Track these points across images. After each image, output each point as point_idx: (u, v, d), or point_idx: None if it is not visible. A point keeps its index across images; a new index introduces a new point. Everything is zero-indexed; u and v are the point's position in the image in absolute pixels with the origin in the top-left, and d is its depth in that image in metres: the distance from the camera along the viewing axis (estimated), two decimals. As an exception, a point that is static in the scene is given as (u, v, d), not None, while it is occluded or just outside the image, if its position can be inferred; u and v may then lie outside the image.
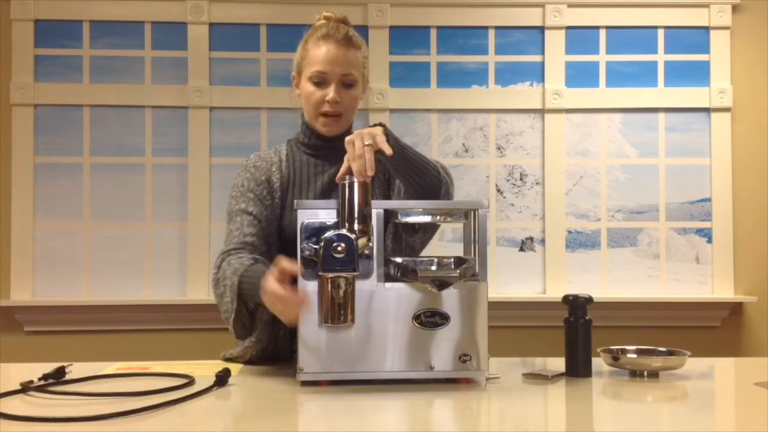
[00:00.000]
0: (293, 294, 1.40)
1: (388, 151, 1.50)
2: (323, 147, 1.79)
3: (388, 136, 1.55)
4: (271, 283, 1.41)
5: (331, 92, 1.72)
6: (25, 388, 1.38)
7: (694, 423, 1.23)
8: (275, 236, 1.73)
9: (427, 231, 1.79)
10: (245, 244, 1.68)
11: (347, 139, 1.51)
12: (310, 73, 1.73)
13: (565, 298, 1.57)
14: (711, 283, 3.30)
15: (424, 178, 1.64)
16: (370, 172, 1.44)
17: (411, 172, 1.63)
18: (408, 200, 1.69)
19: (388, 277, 1.45)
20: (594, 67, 3.33)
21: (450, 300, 1.44)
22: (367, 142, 1.48)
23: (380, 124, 1.57)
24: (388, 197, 1.79)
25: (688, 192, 3.32)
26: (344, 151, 1.69)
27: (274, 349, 1.74)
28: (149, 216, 3.22)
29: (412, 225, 1.74)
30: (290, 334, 1.71)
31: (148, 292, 3.20)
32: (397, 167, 1.62)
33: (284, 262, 1.42)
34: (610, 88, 3.33)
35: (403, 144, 1.61)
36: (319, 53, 1.73)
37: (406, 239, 1.77)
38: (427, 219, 1.62)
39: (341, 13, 1.84)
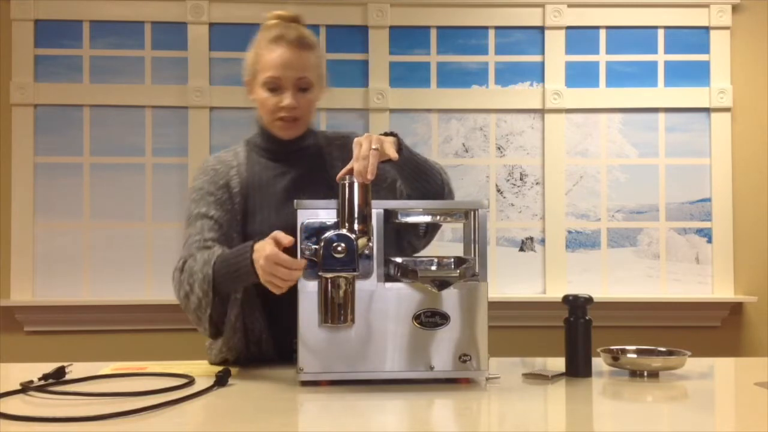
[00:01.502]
0: (294, 259, 1.40)
1: (393, 156, 1.50)
2: (281, 151, 1.75)
3: (401, 146, 1.56)
4: (271, 248, 1.40)
5: (287, 98, 1.66)
6: (25, 388, 1.38)
7: (694, 423, 1.23)
8: (237, 242, 1.65)
9: (431, 233, 1.79)
10: (205, 247, 1.62)
11: (356, 139, 1.50)
12: (263, 78, 1.67)
13: (565, 298, 1.57)
14: (711, 283, 3.30)
15: (429, 184, 1.66)
16: (370, 176, 1.44)
17: (417, 178, 1.63)
18: (409, 200, 1.69)
19: (388, 277, 1.45)
20: (594, 67, 3.33)
21: (450, 300, 1.44)
22: (374, 146, 1.47)
23: (394, 135, 1.57)
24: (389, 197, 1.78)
25: (688, 192, 3.32)
26: (302, 154, 1.74)
27: (258, 353, 1.70)
28: (149, 216, 3.22)
29: (419, 229, 1.74)
30: (272, 338, 1.70)
31: (148, 292, 3.20)
32: (405, 173, 1.62)
33: (278, 233, 1.43)
34: (610, 88, 3.33)
35: (414, 152, 1.62)
36: (271, 57, 1.66)
37: (411, 242, 1.76)
38: (427, 219, 1.62)
39: (294, 11, 1.77)
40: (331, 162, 1.75)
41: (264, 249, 1.42)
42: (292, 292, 1.47)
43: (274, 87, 1.67)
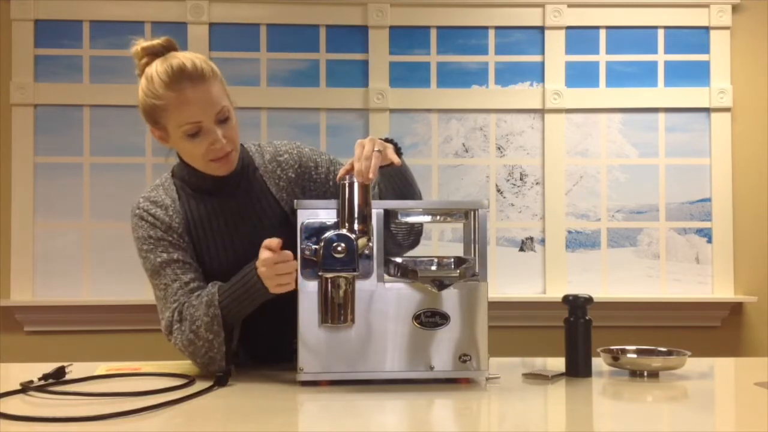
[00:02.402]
0: (282, 251, 1.41)
1: (396, 161, 1.50)
2: (217, 185, 1.59)
3: (400, 154, 1.56)
4: (263, 255, 1.42)
5: (216, 137, 1.50)
6: (25, 388, 1.38)
7: (694, 423, 1.23)
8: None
9: (419, 234, 1.76)
10: (192, 291, 1.53)
11: (359, 141, 1.48)
12: (182, 128, 1.49)
13: (565, 298, 1.57)
14: (711, 283, 3.30)
15: (411, 197, 1.63)
16: (372, 176, 1.43)
17: (402, 190, 1.60)
18: (408, 200, 1.69)
19: (388, 277, 1.45)
20: (594, 67, 3.33)
21: (450, 300, 1.44)
22: (377, 149, 1.46)
23: (393, 142, 1.56)
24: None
25: (688, 192, 3.32)
26: (236, 182, 1.60)
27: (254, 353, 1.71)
28: (149, 216, 3.22)
29: (409, 228, 1.73)
30: (246, 345, 1.69)
31: (148, 292, 3.18)
32: (394, 182, 1.58)
33: (266, 241, 1.43)
34: (610, 88, 3.32)
35: (407, 168, 1.61)
36: (179, 102, 1.48)
37: (399, 241, 1.72)
38: (427, 219, 1.62)
39: (163, 38, 1.60)
40: (274, 180, 1.63)
41: (260, 257, 1.43)
42: (264, 308, 1.49)
43: (196, 132, 1.50)
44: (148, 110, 1.55)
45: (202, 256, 1.60)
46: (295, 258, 1.43)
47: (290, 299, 1.45)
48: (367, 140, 1.48)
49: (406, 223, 1.66)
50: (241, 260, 1.51)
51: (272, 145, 1.70)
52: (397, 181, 1.60)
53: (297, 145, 1.70)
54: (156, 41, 1.57)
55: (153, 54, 1.57)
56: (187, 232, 1.59)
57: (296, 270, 1.43)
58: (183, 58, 1.54)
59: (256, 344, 1.70)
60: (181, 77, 1.50)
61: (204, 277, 1.57)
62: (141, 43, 1.59)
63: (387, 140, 1.56)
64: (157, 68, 1.53)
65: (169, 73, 1.50)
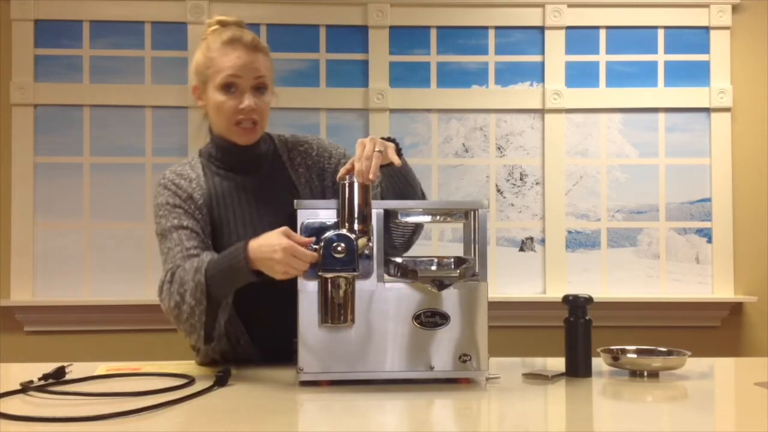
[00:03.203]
0: (309, 252, 1.39)
1: (396, 162, 1.50)
2: (238, 160, 1.71)
3: (400, 153, 1.56)
4: (287, 241, 1.39)
5: (247, 99, 1.62)
6: (25, 388, 1.38)
7: (694, 423, 1.23)
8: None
9: (418, 232, 1.78)
10: (191, 257, 1.56)
11: (360, 140, 1.49)
12: (220, 80, 1.62)
13: (565, 298, 1.57)
14: (711, 283, 3.30)
15: (412, 196, 1.65)
16: (372, 177, 1.44)
17: (403, 189, 1.63)
18: (408, 200, 1.69)
19: (388, 277, 1.45)
20: (594, 67, 3.33)
21: (450, 300, 1.44)
22: (378, 149, 1.47)
23: (394, 141, 1.56)
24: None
25: (688, 192, 3.32)
26: (259, 162, 1.72)
27: (243, 354, 1.70)
28: (149, 216, 3.21)
29: (398, 240, 1.74)
30: (253, 340, 1.70)
31: (148, 292, 3.19)
32: (395, 180, 1.61)
33: (287, 229, 1.42)
34: (610, 88, 3.33)
35: (408, 167, 1.63)
36: (227, 59, 1.62)
37: (393, 243, 1.73)
38: (427, 219, 1.62)
39: (236, 16, 1.75)
40: (294, 167, 1.74)
41: (280, 242, 1.40)
42: (266, 297, 1.48)
43: (232, 89, 1.62)
44: (199, 66, 1.68)
45: (221, 230, 1.66)
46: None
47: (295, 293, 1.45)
48: (368, 140, 1.49)
49: (407, 226, 1.67)
50: (258, 235, 1.50)
51: (294, 136, 1.82)
52: (397, 181, 1.61)
53: (317, 137, 1.82)
54: (230, 17, 1.74)
55: (223, 24, 1.71)
56: (207, 206, 1.66)
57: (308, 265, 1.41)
58: (245, 30, 1.69)
59: (263, 335, 1.70)
60: (237, 41, 1.65)
61: (223, 248, 1.57)
62: (216, 18, 1.74)
63: (388, 139, 1.57)
64: (220, 32, 1.68)
65: (229, 35, 1.65)
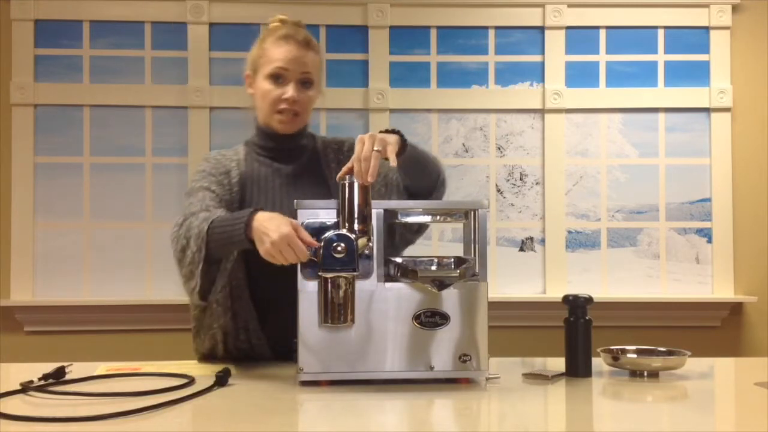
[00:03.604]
0: (305, 249, 1.40)
1: (393, 162, 1.51)
2: (279, 148, 1.80)
3: (404, 143, 1.58)
4: (289, 229, 1.40)
5: (290, 90, 1.72)
6: (25, 388, 1.38)
7: (694, 423, 1.23)
8: None
9: (424, 226, 1.83)
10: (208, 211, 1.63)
11: (359, 137, 1.50)
12: (269, 70, 1.72)
13: (565, 298, 1.57)
14: (711, 283, 3.30)
15: (426, 179, 1.72)
16: (371, 179, 1.44)
17: (416, 174, 1.68)
18: (407, 200, 1.70)
19: (388, 277, 1.45)
20: (594, 67, 3.33)
21: (450, 300, 1.44)
22: (376, 148, 1.47)
23: (397, 132, 1.58)
24: (382, 189, 1.78)
25: (688, 192, 3.32)
26: (298, 152, 1.80)
27: (248, 344, 1.72)
28: (149, 216, 3.22)
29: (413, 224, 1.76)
30: (263, 331, 1.71)
31: (148, 292, 3.20)
32: (405, 168, 1.65)
33: (299, 226, 1.43)
34: (610, 88, 3.33)
35: (416, 148, 1.65)
36: (278, 51, 1.72)
37: (405, 236, 1.78)
38: (427, 219, 1.62)
39: (295, 17, 1.82)
40: (327, 163, 1.81)
41: (282, 226, 1.41)
42: (283, 291, 1.48)
43: (278, 79, 1.72)
44: (253, 56, 1.79)
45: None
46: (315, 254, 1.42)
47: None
48: (367, 137, 1.50)
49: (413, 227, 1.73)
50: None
51: (334, 137, 1.91)
52: (407, 168, 1.65)
53: (349, 137, 1.84)
54: (290, 18, 1.81)
55: (283, 22, 1.79)
56: (241, 185, 1.74)
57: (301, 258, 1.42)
58: (300, 29, 1.77)
59: (273, 325, 1.71)
60: (290, 37, 1.73)
61: None
62: (279, 16, 1.81)
63: (392, 131, 1.58)
64: (278, 29, 1.77)
65: (284, 32, 1.74)
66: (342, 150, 1.83)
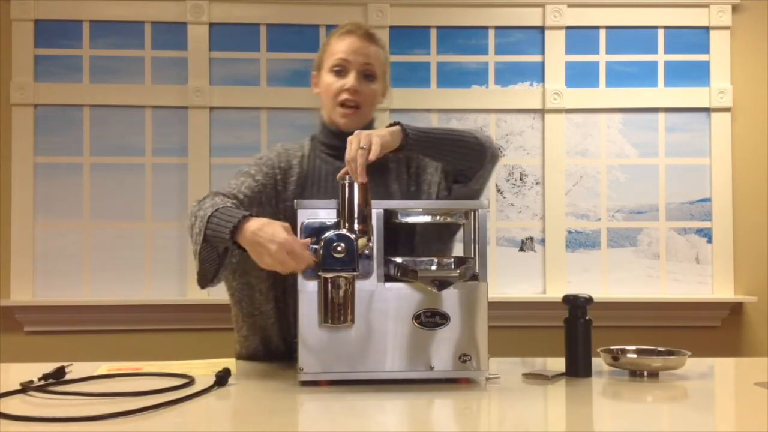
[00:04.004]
0: (307, 254, 1.39)
1: (372, 157, 1.47)
2: (342, 147, 1.71)
3: (406, 133, 1.56)
4: (285, 235, 1.39)
5: (350, 80, 1.71)
6: (25, 388, 1.38)
7: (694, 423, 1.23)
8: (270, 215, 1.64)
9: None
10: (235, 197, 1.64)
11: (348, 137, 1.50)
12: (331, 62, 1.73)
13: (565, 298, 1.57)
14: (711, 283, 3.30)
15: (461, 153, 1.66)
16: (361, 179, 1.43)
17: (445, 153, 1.65)
18: (409, 200, 1.70)
19: (388, 277, 1.45)
20: (594, 67, 3.33)
21: (450, 300, 1.44)
22: (362, 145, 1.47)
23: (397, 123, 1.58)
24: (406, 180, 1.76)
25: (688, 192, 3.32)
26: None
27: (266, 351, 1.74)
28: (149, 216, 3.22)
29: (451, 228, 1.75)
30: (282, 336, 1.72)
31: (148, 292, 3.20)
32: (429, 153, 1.64)
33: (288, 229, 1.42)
34: (610, 88, 3.33)
35: (428, 130, 1.62)
36: (341, 44, 1.73)
37: (445, 243, 1.77)
38: (427, 219, 1.62)
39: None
40: (396, 172, 1.76)
41: (277, 234, 1.40)
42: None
43: (340, 69, 1.72)
44: (320, 53, 1.80)
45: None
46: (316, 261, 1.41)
47: None
48: (354, 136, 1.50)
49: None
50: None
51: None
52: (430, 152, 1.64)
53: None
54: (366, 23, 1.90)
55: (356, 24, 1.80)
56: (300, 184, 1.73)
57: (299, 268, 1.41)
58: (364, 25, 1.79)
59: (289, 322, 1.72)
60: (352, 31, 1.74)
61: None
62: (351, 21, 1.83)
63: (393, 124, 1.58)
64: (348, 24, 1.78)
65: (347, 28, 1.76)
66: (413, 158, 1.78)
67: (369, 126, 1.77)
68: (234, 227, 1.45)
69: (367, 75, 1.73)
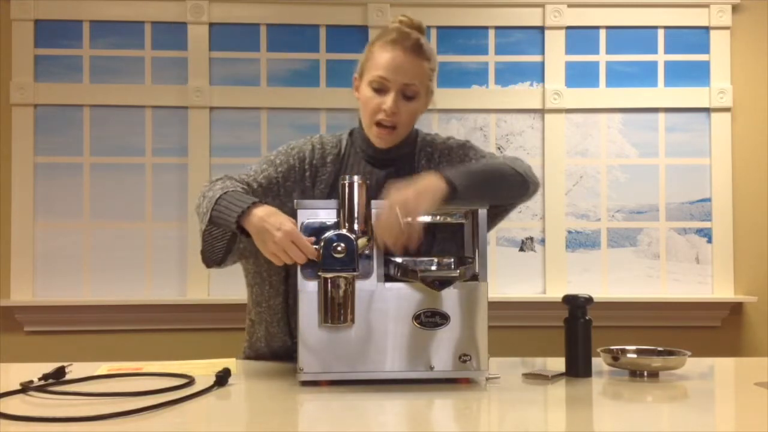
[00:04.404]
0: (310, 245, 1.39)
1: (420, 225, 1.43)
2: (376, 156, 1.71)
3: (454, 184, 1.46)
4: (291, 225, 1.40)
5: (389, 101, 1.61)
6: (25, 388, 1.38)
7: (694, 423, 1.23)
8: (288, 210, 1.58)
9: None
10: (247, 185, 1.63)
11: (375, 212, 1.43)
12: (371, 77, 1.63)
13: (565, 298, 1.57)
14: (711, 283, 3.30)
15: (506, 195, 1.63)
16: (415, 246, 1.43)
17: (490, 198, 1.55)
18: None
19: (388, 277, 1.45)
20: (594, 67, 3.33)
21: (450, 300, 1.44)
22: (404, 220, 1.40)
23: (439, 171, 1.50)
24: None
25: (688, 192, 3.32)
26: (396, 159, 1.70)
27: (269, 348, 1.74)
28: (149, 216, 3.22)
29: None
30: (286, 336, 1.72)
31: (148, 292, 3.20)
32: (473, 199, 1.52)
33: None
34: (610, 88, 3.32)
35: (473, 173, 1.54)
36: (383, 58, 1.62)
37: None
38: (427, 219, 1.61)
39: (418, 19, 1.71)
40: (418, 170, 1.70)
41: (285, 223, 1.41)
42: None
43: (380, 88, 1.62)
44: (362, 58, 1.69)
45: None
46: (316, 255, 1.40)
47: None
48: (386, 209, 1.41)
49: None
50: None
51: (431, 136, 1.79)
52: (473, 198, 1.52)
53: (446, 139, 1.78)
54: (415, 20, 1.72)
55: (404, 23, 1.70)
56: (329, 185, 1.68)
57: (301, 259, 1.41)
58: (415, 34, 1.67)
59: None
60: (398, 42, 1.63)
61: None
62: (401, 16, 1.73)
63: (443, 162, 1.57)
64: (395, 30, 1.67)
65: (393, 36, 1.64)
66: (433, 158, 1.73)
67: (407, 141, 1.70)
68: (242, 212, 1.46)
69: (407, 94, 1.63)
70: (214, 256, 1.61)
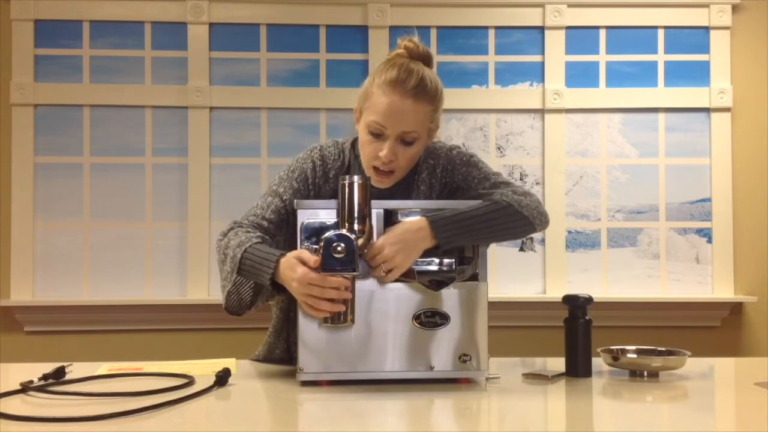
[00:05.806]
0: (325, 277, 1.37)
1: (413, 276, 1.44)
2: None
3: (435, 231, 1.45)
4: (301, 270, 1.38)
5: (386, 149, 1.56)
6: (25, 388, 1.38)
7: (694, 423, 1.23)
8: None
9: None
10: (259, 227, 1.60)
11: (374, 248, 1.43)
12: (368, 121, 1.57)
13: (565, 298, 1.57)
14: (711, 283, 3.30)
15: (504, 233, 1.57)
16: (403, 276, 1.44)
17: (484, 238, 1.51)
18: (408, 200, 1.68)
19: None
20: (594, 67, 3.33)
21: (450, 300, 1.44)
22: (385, 269, 1.42)
23: (425, 216, 1.47)
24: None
25: (688, 192, 3.32)
26: (396, 182, 1.66)
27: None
28: (149, 216, 3.22)
29: None
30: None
31: (148, 292, 3.20)
32: (466, 243, 1.50)
33: (303, 253, 1.40)
34: (610, 88, 3.32)
35: (459, 218, 1.48)
36: (382, 103, 1.55)
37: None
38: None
39: (425, 46, 1.62)
40: (418, 183, 1.68)
41: (294, 271, 1.39)
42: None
43: (377, 133, 1.57)
44: (363, 92, 1.62)
45: None
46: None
47: None
48: (376, 251, 1.43)
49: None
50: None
51: (434, 147, 1.71)
52: (465, 241, 1.50)
53: (450, 148, 1.72)
54: (422, 47, 1.62)
55: (408, 50, 1.61)
56: (328, 196, 1.65)
57: (346, 300, 1.39)
58: (418, 71, 1.56)
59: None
60: (399, 84, 1.54)
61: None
62: (408, 41, 1.62)
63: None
64: (393, 67, 1.57)
65: (394, 75, 1.55)
66: (435, 172, 1.68)
67: (409, 177, 1.67)
68: (272, 275, 1.43)
69: (406, 141, 1.57)
70: (243, 303, 1.57)
